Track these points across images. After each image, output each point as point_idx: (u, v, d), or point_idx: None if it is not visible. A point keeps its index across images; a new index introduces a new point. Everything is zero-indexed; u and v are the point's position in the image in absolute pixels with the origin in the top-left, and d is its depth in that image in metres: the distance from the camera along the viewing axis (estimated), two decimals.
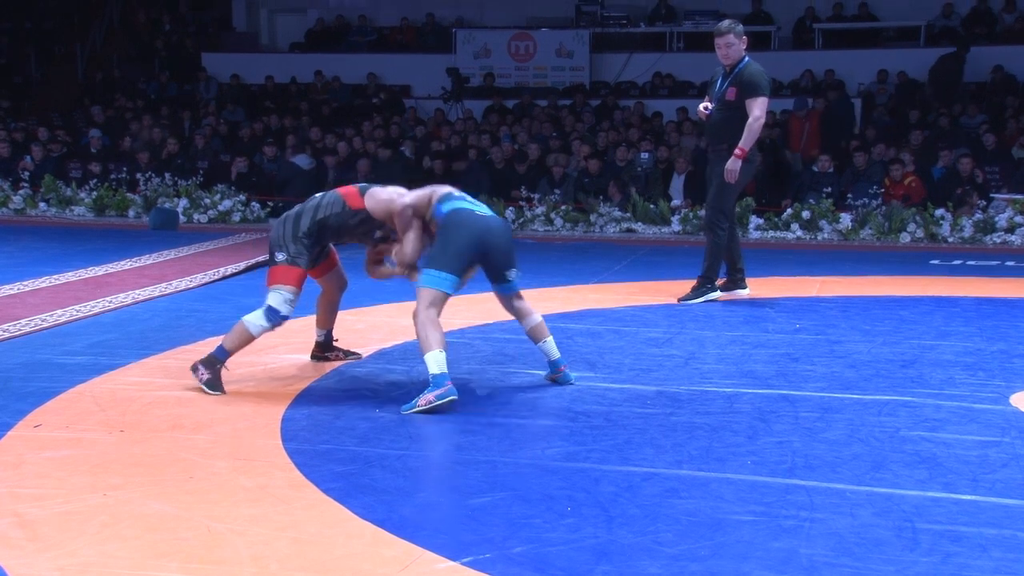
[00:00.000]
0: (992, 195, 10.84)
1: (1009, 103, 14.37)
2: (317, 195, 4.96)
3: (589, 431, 3.98)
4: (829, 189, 11.13)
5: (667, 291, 7.14)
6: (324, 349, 5.23)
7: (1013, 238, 10.06)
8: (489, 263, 4.53)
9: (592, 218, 11.46)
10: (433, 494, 3.33)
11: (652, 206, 11.39)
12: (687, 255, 9.56)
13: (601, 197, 11.74)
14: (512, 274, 4.59)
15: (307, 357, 5.19)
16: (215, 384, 4.56)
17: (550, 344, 4.69)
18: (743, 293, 7.02)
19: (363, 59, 17.91)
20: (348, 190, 4.90)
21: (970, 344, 5.41)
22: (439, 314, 4.38)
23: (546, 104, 16.19)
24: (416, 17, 18.99)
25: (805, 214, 10.74)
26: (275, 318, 4.65)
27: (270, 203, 12.60)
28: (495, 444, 3.83)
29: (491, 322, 5.87)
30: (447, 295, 4.42)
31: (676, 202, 11.96)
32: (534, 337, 4.70)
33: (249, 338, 4.67)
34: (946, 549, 2.83)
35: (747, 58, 6.81)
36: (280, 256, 4.69)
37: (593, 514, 3.11)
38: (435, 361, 4.26)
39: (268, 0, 19.69)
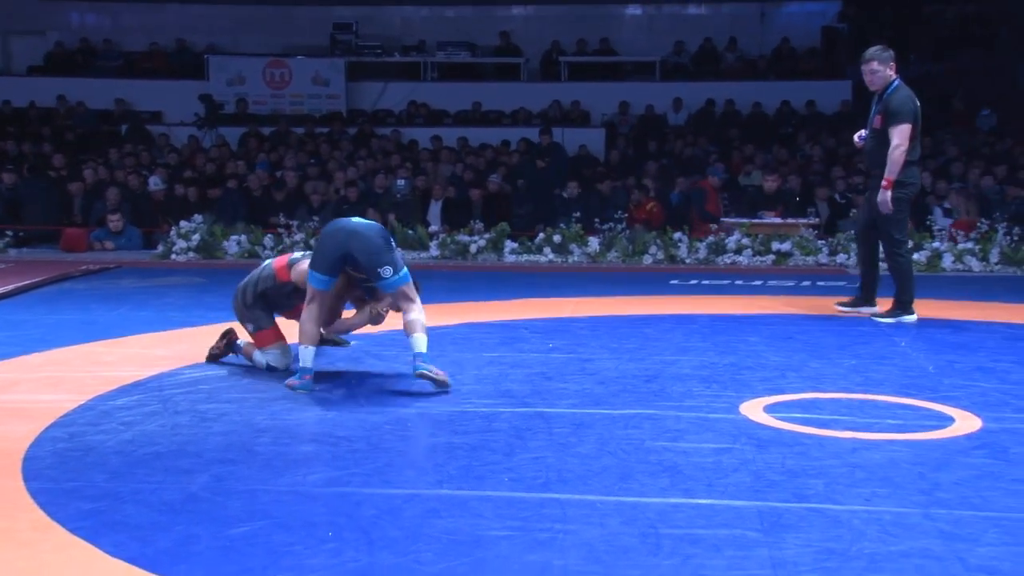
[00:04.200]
0: (721, 219, 11.57)
1: (733, 135, 15.40)
2: (261, 264, 5.56)
3: (350, 455, 3.95)
4: (578, 214, 11.56)
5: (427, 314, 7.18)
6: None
7: (740, 259, 10.78)
8: (358, 262, 4.96)
9: None
10: (190, 527, 3.21)
11: (410, 231, 11.45)
12: (446, 279, 9.69)
13: None
14: (385, 271, 4.93)
15: (50, 396, 4.88)
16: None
17: (416, 340, 4.94)
18: (866, 311, 7.06)
19: (110, 84, 17.13)
20: (279, 262, 5.40)
21: (705, 358, 5.75)
22: (319, 310, 5.03)
23: (303, 131, 16.01)
24: (166, 42, 18.34)
25: (556, 238, 11.10)
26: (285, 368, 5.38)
27: (9, 232, 11.80)
28: (255, 473, 3.73)
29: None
30: (322, 292, 5.02)
31: (434, 228, 12.09)
32: (406, 331, 5.02)
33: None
34: (686, 551, 2.99)
35: (896, 82, 6.66)
36: (250, 327, 5.45)
37: (354, 538, 3.09)
38: (304, 355, 4.97)
39: (1, 20, 18.44)
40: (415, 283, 5.14)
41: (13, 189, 12.96)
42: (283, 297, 5.42)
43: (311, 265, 5.06)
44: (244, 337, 5.62)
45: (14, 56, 18.64)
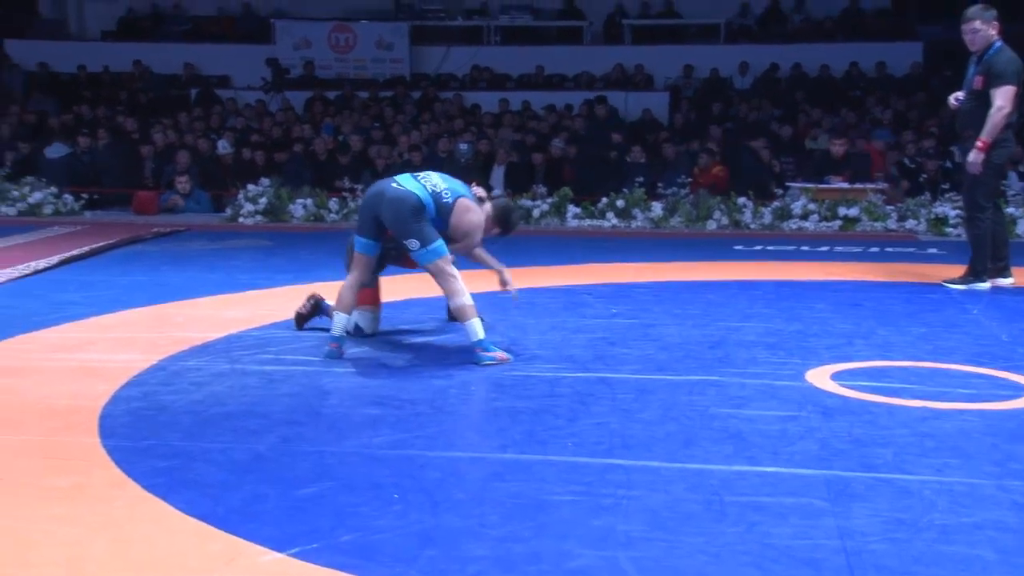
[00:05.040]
0: (787, 183, 11.39)
1: (800, 98, 15.12)
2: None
3: (415, 418, 3.97)
4: (641, 179, 11.45)
5: (489, 277, 7.20)
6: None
7: (807, 224, 10.61)
8: (383, 227, 4.94)
9: None
10: (258, 487, 3.25)
11: None
12: (509, 243, 9.64)
13: None
14: (411, 243, 4.83)
15: (123, 356, 4.97)
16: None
17: (468, 329, 4.82)
18: (1004, 282, 6.75)
19: (179, 49, 17.30)
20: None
21: (771, 325, 5.67)
22: (358, 275, 5.02)
23: (367, 96, 16.04)
24: (233, 7, 18.44)
25: (619, 203, 11.02)
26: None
27: (84, 195, 12.02)
28: (321, 435, 3.77)
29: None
30: (361, 255, 5.01)
31: (497, 192, 12.06)
32: (457, 319, 5.04)
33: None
34: (750, 519, 2.95)
35: (997, 43, 6.49)
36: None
37: (419, 500, 3.11)
38: (336, 321, 4.97)
39: None
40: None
41: (90, 152, 13.18)
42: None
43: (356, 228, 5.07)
44: (331, 299, 5.60)
45: (88, 21, 18.89)
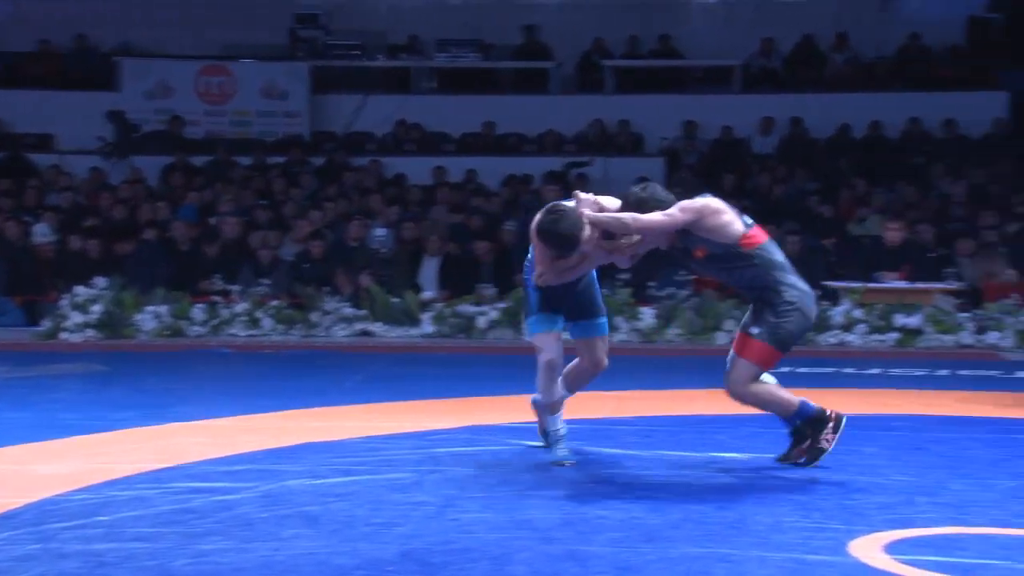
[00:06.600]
0: (824, 282, 11.57)
1: (843, 166, 15.39)
2: None
3: None
4: (627, 276, 11.54)
5: (416, 413, 7.21)
6: None
7: (851, 338, 10.75)
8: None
9: (314, 317, 11.46)
10: None
11: (395, 300, 11.50)
12: (442, 365, 9.70)
13: (326, 289, 11.77)
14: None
15: None
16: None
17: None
18: None
19: None
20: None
21: (802, 475, 5.73)
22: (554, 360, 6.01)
23: (250, 162, 16.12)
24: (60, 39, 18.33)
25: None
26: None
27: None
28: None
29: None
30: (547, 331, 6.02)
31: (427, 294, 12.13)
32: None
33: None
34: None
35: None
36: None
37: None
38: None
39: None
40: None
41: None
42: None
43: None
44: None
45: None
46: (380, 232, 13.18)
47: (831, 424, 5.70)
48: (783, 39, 18.14)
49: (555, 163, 15.82)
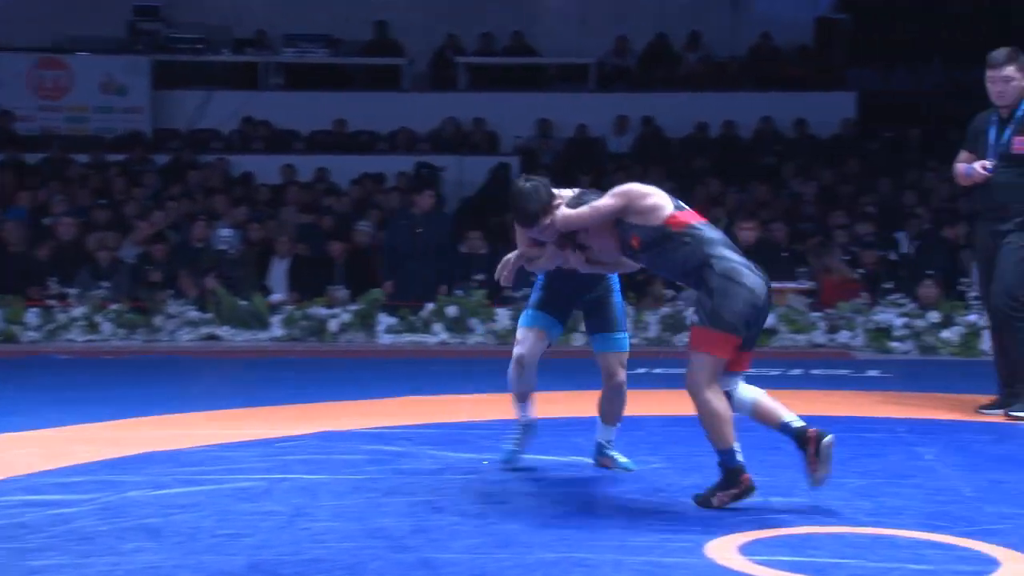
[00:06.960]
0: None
1: (697, 166, 15.62)
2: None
3: None
4: (482, 276, 11.52)
5: (265, 420, 7.13)
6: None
7: None
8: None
9: (157, 321, 11.28)
10: None
11: (242, 302, 11.38)
12: (292, 369, 9.60)
13: (170, 292, 11.60)
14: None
15: None
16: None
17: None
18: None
19: None
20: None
21: (657, 478, 5.83)
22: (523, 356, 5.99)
23: (87, 160, 15.83)
24: None
25: (451, 311, 11.12)
26: None
27: None
28: None
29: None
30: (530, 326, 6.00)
31: (277, 296, 12.03)
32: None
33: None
34: None
35: None
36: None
37: None
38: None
39: None
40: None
41: None
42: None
43: None
44: None
45: None
46: (226, 233, 13.02)
47: (736, 490, 5.32)
48: (636, 38, 18.37)
49: (408, 162, 15.82)
